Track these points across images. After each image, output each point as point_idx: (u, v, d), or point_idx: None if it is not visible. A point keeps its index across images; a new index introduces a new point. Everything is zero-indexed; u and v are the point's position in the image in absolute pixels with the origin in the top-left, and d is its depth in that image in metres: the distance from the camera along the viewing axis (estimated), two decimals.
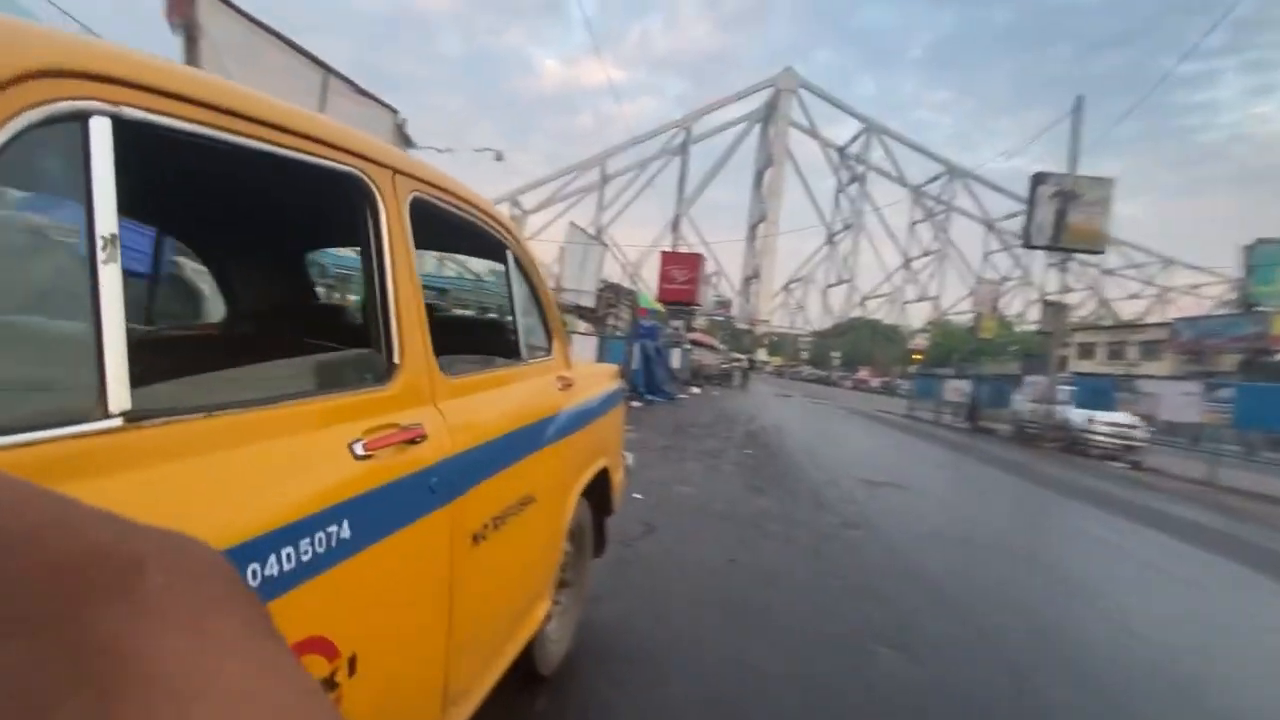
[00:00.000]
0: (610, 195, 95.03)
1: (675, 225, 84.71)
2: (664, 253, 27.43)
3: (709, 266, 43.69)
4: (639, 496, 5.05)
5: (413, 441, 1.16)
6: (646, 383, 15.79)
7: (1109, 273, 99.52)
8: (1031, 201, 14.67)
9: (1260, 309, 32.29)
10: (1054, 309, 15.02)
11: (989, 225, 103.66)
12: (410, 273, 1.26)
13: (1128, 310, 77.02)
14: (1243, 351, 33.67)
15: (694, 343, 27.82)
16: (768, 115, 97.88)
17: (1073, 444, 13.18)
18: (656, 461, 7.14)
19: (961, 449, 12.25)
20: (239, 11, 4.85)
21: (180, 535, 0.22)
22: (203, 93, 0.83)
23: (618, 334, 15.12)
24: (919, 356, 59.54)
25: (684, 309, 26.61)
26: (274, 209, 1.84)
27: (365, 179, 1.16)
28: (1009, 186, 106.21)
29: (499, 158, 13.44)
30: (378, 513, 1.04)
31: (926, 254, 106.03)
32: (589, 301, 12.85)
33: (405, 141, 7.11)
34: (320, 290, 3.89)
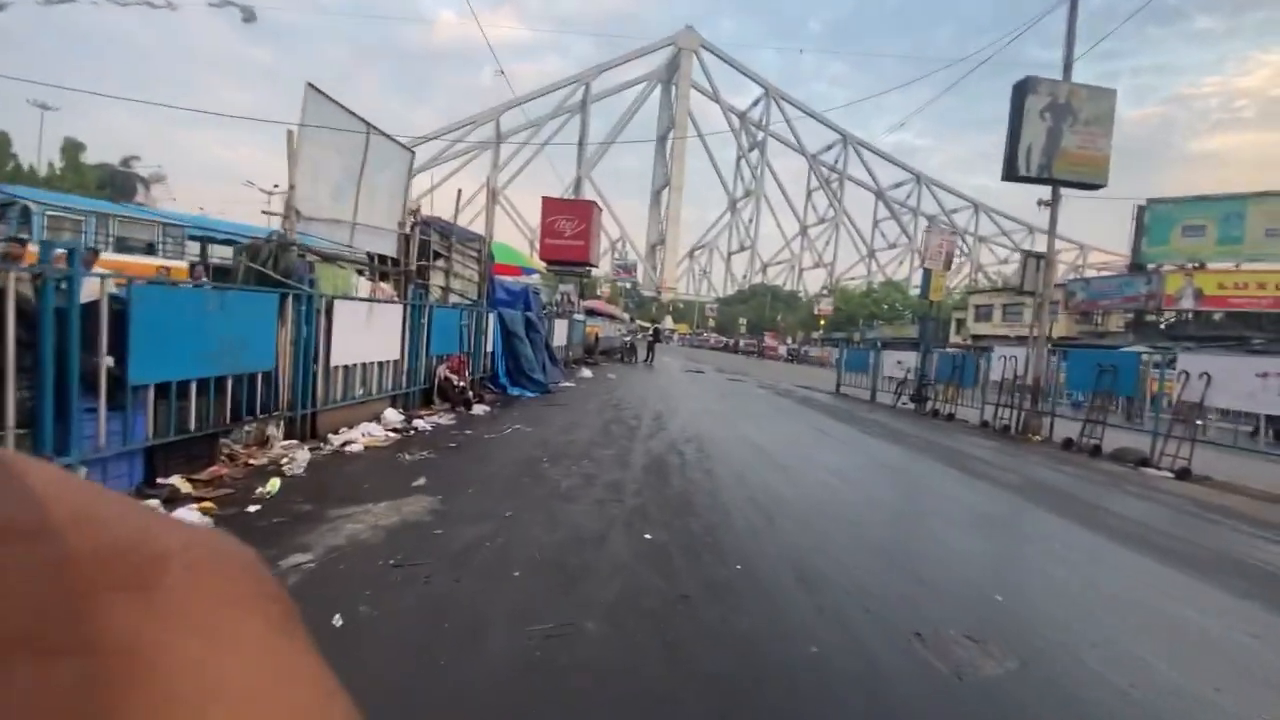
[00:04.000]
0: (505, 155, 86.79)
1: (577, 188, 78.34)
2: (546, 199, 21.61)
3: (612, 229, 38.65)
4: None
5: None
6: (509, 371, 10.65)
7: (983, 240, 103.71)
8: (1016, 119, 10.64)
9: (1153, 268, 31.45)
10: (1036, 262, 11.25)
11: (879, 194, 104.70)
12: None
13: (998, 276, 79.52)
14: (1133, 311, 33.00)
15: (590, 312, 22.79)
16: (669, 75, 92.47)
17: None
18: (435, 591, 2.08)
19: (981, 465, 8.20)
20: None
21: (209, 532, 0.21)
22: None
23: (462, 301, 9.83)
24: (823, 322, 57.70)
25: (575, 270, 21.33)
26: None
27: None
28: (897, 157, 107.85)
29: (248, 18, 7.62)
30: None
31: (822, 221, 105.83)
32: (386, 247, 7.52)
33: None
34: None
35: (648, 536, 3.99)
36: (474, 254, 10.15)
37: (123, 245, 12.74)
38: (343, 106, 6.12)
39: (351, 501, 4.25)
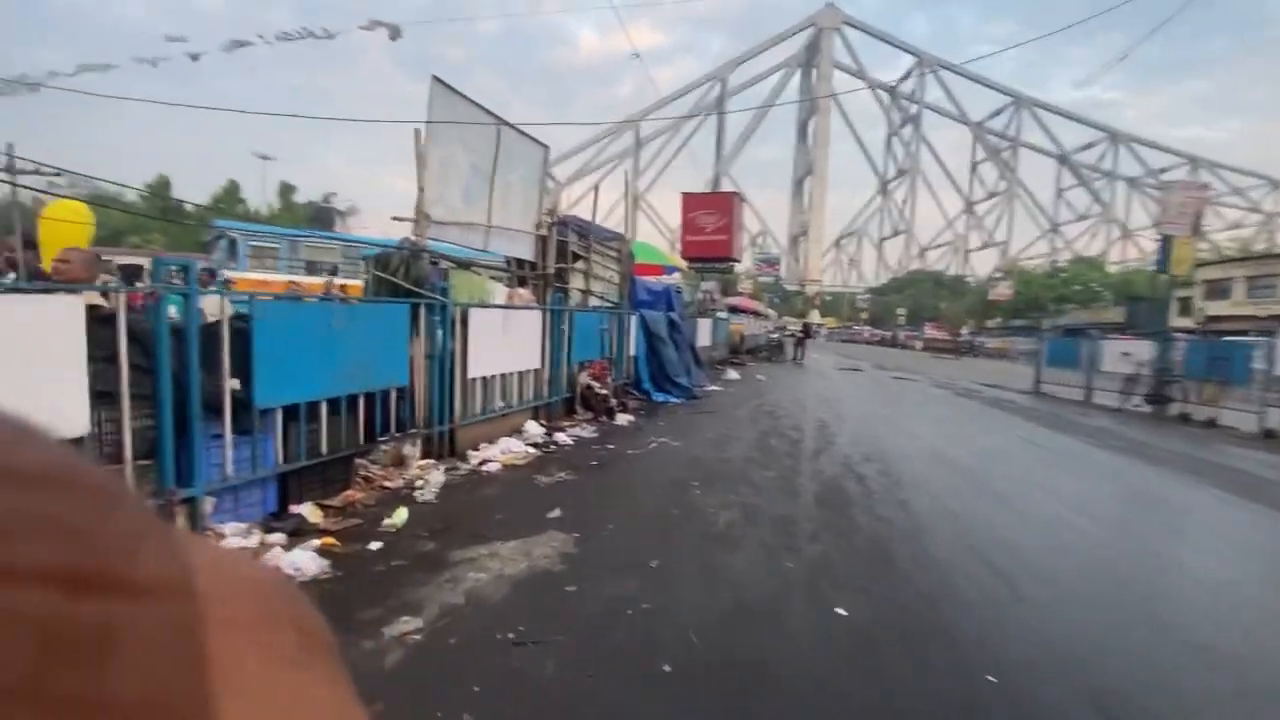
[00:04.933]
0: (646, 159, 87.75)
1: (715, 185, 77.13)
2: (686, 195, 20.66)
3: (752, 224, 37.07)
4: None
5: None
6: (653, 376, 9.94)
7: (1211, 202, 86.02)
8: None
9: None
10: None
11: (1063, 158, 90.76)
12: None
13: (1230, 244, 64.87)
14: None
15: (733, 309, 21.62)
16: (808, 59, 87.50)
17: None
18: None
19: None
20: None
21: (209, 552, 0.20)
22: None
23: (602, 304, 9.28)
24: (999, 308, 50.88)
25: (717, 266, 20.24)
26: None
27: None
28: (1084, 115, 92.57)
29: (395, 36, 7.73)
30: None
31: (992, 196, 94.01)
32: (523, 249, 7.09)
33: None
34: None
35: (841, 612, 2.91)
36: (614, 253, 9.57)
37: (311, 268, 14.04)
38: (471, 100, 5.73)
39: (478, 538, 3.65)
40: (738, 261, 21.86)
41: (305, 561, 3.17)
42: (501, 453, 5.76)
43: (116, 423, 3.00)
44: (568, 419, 7.56)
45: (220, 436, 3.53)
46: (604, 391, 8.25)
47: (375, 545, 3.54)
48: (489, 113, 5.96)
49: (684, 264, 19.52)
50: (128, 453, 3.05)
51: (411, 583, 3.06)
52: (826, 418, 8.68)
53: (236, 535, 3.49)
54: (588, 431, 7.06)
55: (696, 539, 3.79)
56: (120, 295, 2.96)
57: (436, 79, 5.19)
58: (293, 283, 11.52)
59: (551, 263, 7.56)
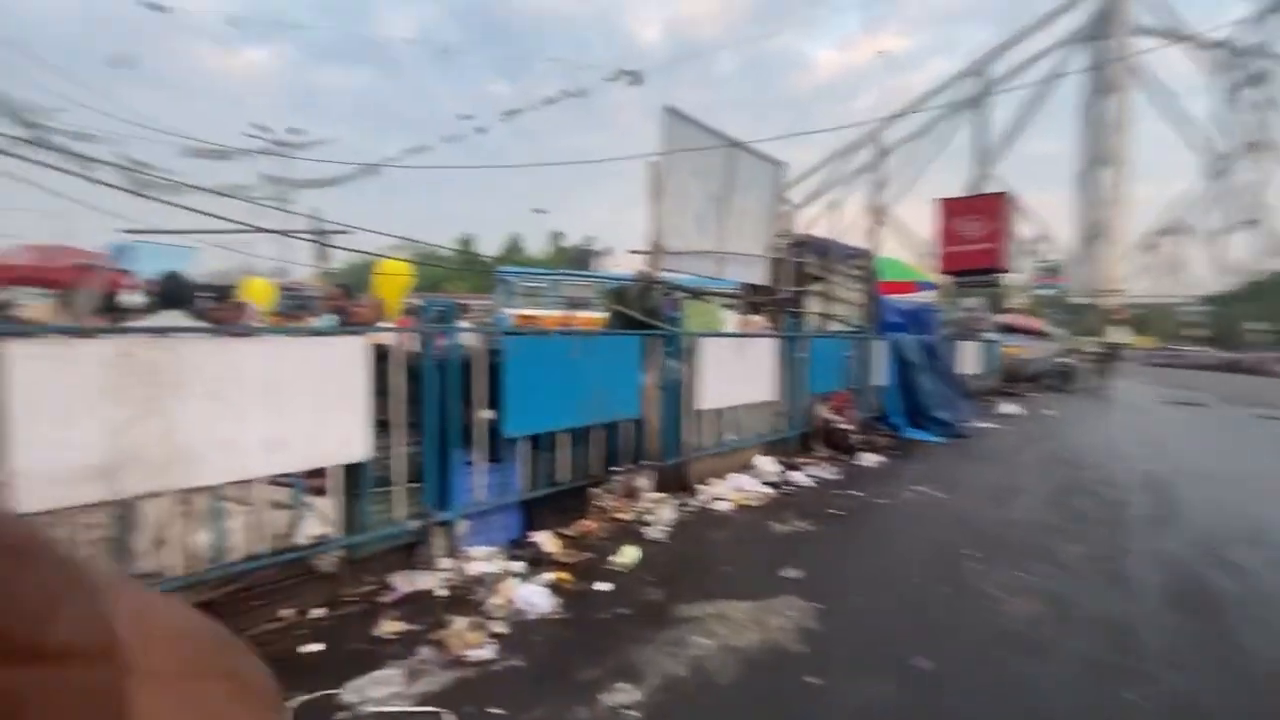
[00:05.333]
0: (892, 170, 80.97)
1: (978, 189, 67.96)
2: (944, 201, 17.86)
3: (1025, 229, 31.55)
4: None
5: None
6: (905, 409, 8.71)
7: None
8: None
9: None
10: None
11: None
12: None
13: None
14: None
15: (1006, 329, 18.33)
16: (1094, 30, 72.05)
17: None
18: None
19: None
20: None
21: (143, 599, 0.19)
22: None
23: (844, 328, 8.44)
24: None
25: (984, 280, 17.33)
26: None
27: None
28: None
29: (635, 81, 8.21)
30: None
31: None
32: (756, 274, 6.70)
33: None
34: None
35: None
36: (857, 272, 8.66)
37: (571, 303, 15.60)
38: (702, 125, 5.60)
39: (707, 593, 3.29)
40: (1007, 272, 18.49)
41: (538, 598, 3.14)
42: (733, 490, 5.38)
43: (389, 449, 3.34)
44: (805, 456, 6.89)
45: (473, 463, 3.76)
46: (847, 427, 7.38)
47: (604, 586, 3.40)
48: (721, 135, 5.77)
49: (942, 279, 17.16)
50: (400, 476, 3.38)
51: (634, 640, 2.81)
52: (1160, 472, 6.53)
53: (483, 558, 3.67)
54: (828, 472, 6.31)
55: (981, 635, 2.91)
56: (402, 336, 3.31)
57: (668, 108, 5.17)
58: (528, 317, 12.69)
59: (787, 286, 7.05)
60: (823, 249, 7.82)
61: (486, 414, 3.84)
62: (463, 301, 14.48)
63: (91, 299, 4.70)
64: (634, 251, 5.50)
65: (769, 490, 5.51)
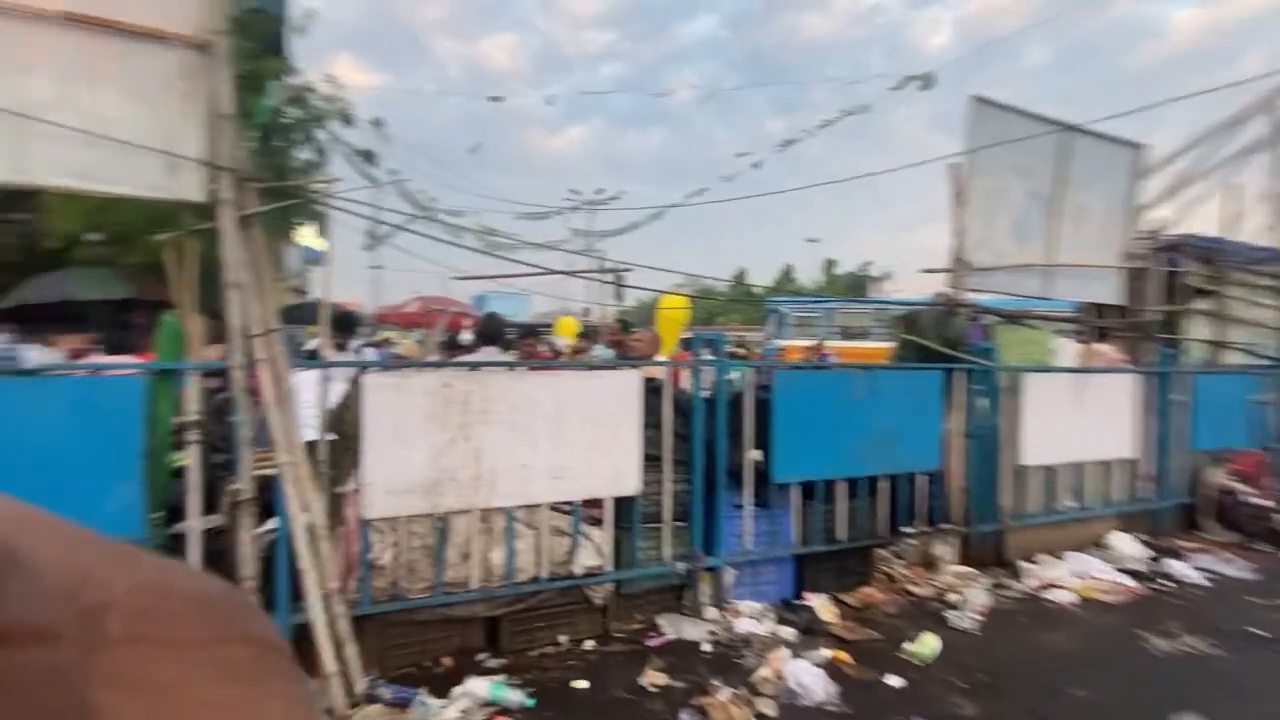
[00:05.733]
0: None
1: None
2: None
3: None
4: None
5: None
6: None
7: None
8: None
9: None
10: None
11: None
12: None
13: None
14: None
15: None
16: None
17: None
18: None
19: None
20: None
21: (163, 567, 0.20)
22: None
23: (1250, 360, 6.03)
24: None
25: None
26: None
27: None
28: None
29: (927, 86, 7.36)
30: None
31: None
32: (1103, 291, 5.13)
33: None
34: None
35: None
36: (1269, 283, 6.12)
37: (847, 333, 14.58)
38: (1023, 111, 4.51)
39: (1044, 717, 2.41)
40: None
41: (812, 680, 2.67)
42: (1075, 576, 4.09)
43: (659, 484, 3.25)
44: (1188, 539, 4.98)
45: (740, 507, 3.48)
46: (1262, 501, 5.17)
47: (894, 681, 2.76)
48: (1048, 120, 4.59)
49: None
50: (667, 514, 3.26)
51: None
52: None
53: (751, 615, 3.33)
54: (1234, 567, 4.43)
55: None
56: (674, 371, 3.24)
57: (975, 97, 4.27)
58: (785, 349, 11.92)
59: (1154, 305, 5.28)
60: (1212, 254, 5.68)
61: (754, 454, 3.53)
62: (735, 333, 14.66)
63: (438, 337, 5.80)
64: (927, 270, 4.65)
65: (1131, 582, 4.05)
